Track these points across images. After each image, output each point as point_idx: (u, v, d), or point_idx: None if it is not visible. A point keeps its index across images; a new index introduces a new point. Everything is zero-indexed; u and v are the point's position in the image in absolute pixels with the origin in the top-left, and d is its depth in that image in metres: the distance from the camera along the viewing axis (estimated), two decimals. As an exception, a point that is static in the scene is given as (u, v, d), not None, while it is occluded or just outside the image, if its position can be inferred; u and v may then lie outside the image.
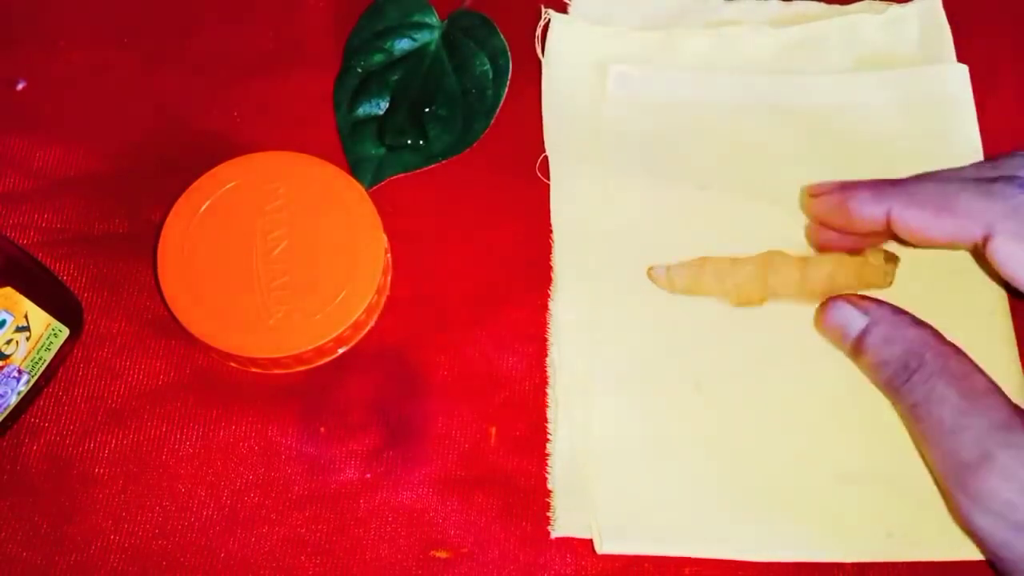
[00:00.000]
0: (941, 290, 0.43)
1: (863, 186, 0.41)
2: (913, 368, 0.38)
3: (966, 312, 0.43)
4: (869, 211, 0.40)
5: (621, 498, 0.41)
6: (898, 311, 0.40)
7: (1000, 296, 0.43)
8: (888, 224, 0.40)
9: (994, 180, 0.38)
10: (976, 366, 0.38)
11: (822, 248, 0.44)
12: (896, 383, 0.39)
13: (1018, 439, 0.35)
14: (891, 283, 0.43)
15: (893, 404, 0.40)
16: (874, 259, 0.43)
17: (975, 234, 0.38)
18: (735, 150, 0.46)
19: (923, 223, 0.39)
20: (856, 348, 0.41)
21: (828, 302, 0.42)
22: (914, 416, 0.38)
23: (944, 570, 0.40)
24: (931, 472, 0.39)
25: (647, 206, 0.45)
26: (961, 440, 0.36)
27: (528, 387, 0.43)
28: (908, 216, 0.39)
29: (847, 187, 0.41)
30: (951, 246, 0.39)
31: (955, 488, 0.36)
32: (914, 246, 0.41)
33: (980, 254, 0.38)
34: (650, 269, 0.44)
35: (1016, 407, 0.36)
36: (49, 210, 0.46)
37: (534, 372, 0.44)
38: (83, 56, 0.49)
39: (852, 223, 0.41)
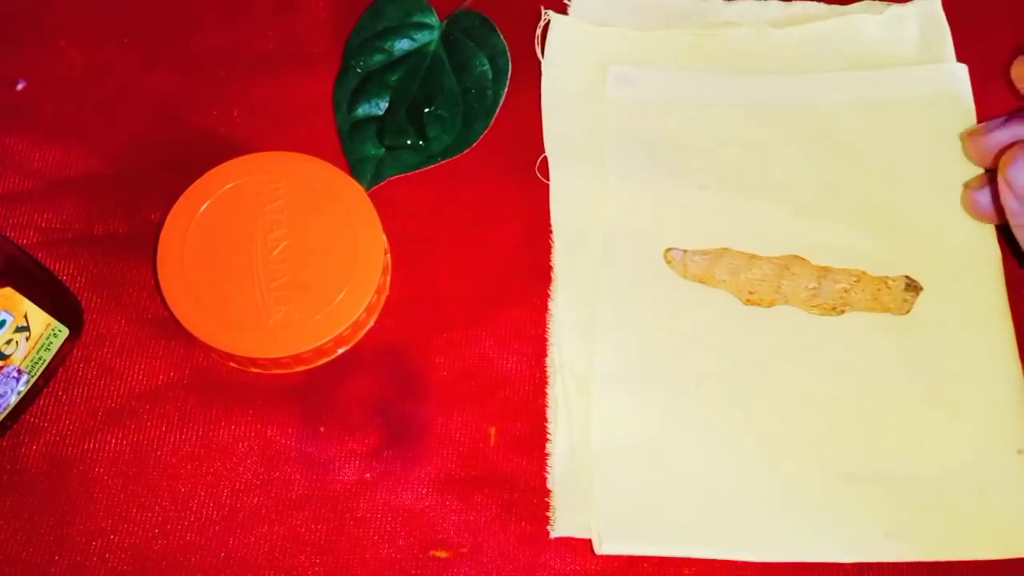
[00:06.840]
0: (941, 290, 0.44)
1: None
2: None
3: (965, 309, 0.43)
4: None
5: (620, 498, 0.41)
6: None
7: (1000, 295, 0.43)
8: None
9: None
10: None
11: (986, 157, 0.43)
12: None
13: None
14: (909, 311, 0.43)
15: None
16: (894, 283, 0.43)
17: None
18: (735, 150, 0.46)
19: None
20: None
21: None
22: None
23: (944, 570, 0.40)
24: None
25: (647, 206, 0.45)
26: None
27: (528, 387, 0.43)
28: None
29: None
30: None
31: None
32: None
33: None
34: (667, 251, 0.44)
35: None
36: (49, 210, 0.46)
37: (534, 372, 0.44)
38: (83, 56, 0.49)
39: None
